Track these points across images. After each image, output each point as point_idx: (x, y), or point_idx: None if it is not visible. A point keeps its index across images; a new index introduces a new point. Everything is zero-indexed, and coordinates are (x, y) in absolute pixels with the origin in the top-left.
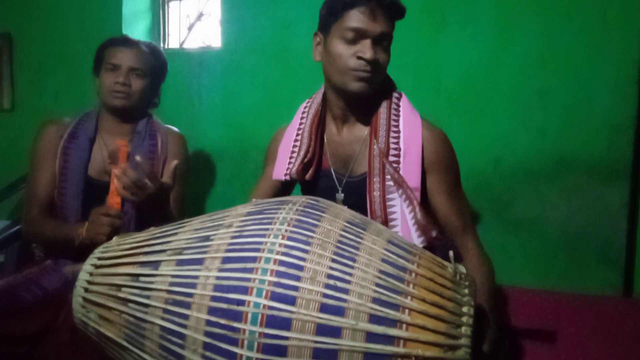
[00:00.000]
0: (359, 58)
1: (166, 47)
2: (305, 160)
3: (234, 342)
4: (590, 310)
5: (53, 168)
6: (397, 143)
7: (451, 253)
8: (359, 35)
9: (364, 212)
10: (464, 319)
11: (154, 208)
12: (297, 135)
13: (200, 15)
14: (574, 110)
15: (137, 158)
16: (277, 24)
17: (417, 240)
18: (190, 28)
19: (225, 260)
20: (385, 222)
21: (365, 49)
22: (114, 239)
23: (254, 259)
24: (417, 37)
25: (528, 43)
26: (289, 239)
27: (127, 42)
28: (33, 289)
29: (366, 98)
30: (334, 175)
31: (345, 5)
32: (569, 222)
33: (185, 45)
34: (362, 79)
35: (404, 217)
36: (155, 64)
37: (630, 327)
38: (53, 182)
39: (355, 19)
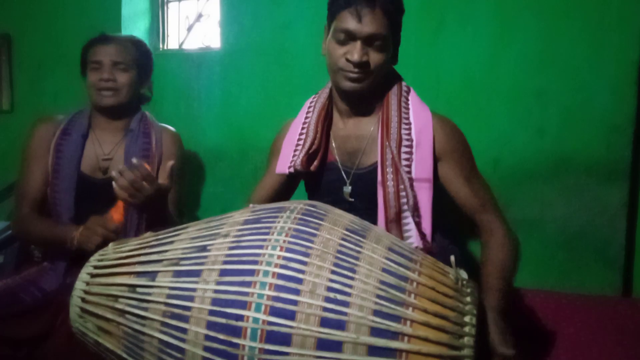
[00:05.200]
0: (347, 60)
1: (165, 47)
2: (311, 151)
3: (233, 357)
4: (590, 310)
5: (45, 165)
6: (409, 135)
7: (452, 258)
8: (348, 36)
9: (372, 203)
10: (467, 328)
11: (152, 210)
12: (303, 128)
13: (200, 16)
14: (573, 111)
15: (134, 160)
16: (276, 24)
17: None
18: (189, 29)
19: (223, 272)
20: (399, 213)
21: (354, 50)
22: (110, 245)
23: (252, 272)
24: (416, 38)
25: (527, 43)
26: (287, 250)
27: (106, 39)
28: (32, 290)
29: (373, 92)
30: (341, 168)
31: (339, 6)
32: (568, 222)
33: (184, 46)
34: (351, 80)
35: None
36: (138, 56)
37: (630, 327)
38: (45, 180)
39: (345, 20)
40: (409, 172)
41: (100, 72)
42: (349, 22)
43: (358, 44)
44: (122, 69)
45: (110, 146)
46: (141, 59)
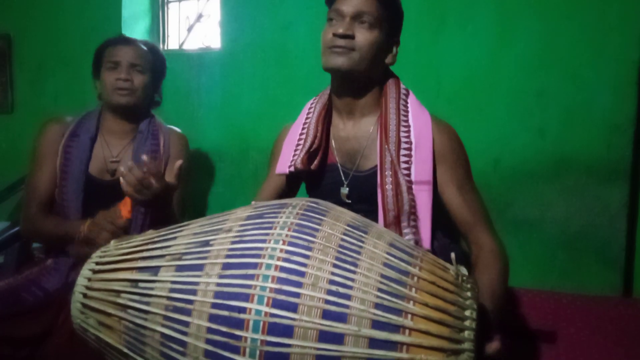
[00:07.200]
0: (334, 35)
1: (166, 48)
2: (311, 150)
3: (235, 350)
4: (590, 310)
5: (54, 166)
6: (408, 137)
7: (453, 255)
8: (338, 16)
9: (372, 206)
10: (467, 322)
11: (158, 208)
12: (303, 129)
13: (200, 16)
14: (573, 111)
15: (144, 157)
16: (277, 24)
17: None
18: (189, 29)
19: (226, 266)
20: (398, 216)
21: (339, 25)
22: (112, 242)
23: (254, 265)
24: (417, 38)
25: (527, 43)
26: (290, 244)
27: (125, 40)
28: (33, 289)
29: (365, 85)
30: (340, 170)
31: None
32: (568, 223)
33: (184, 47)
34: (337, 53)
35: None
36: (154, 61)
37: (630, 327)
38: (53, 180)
39: (336, 2)
40: (408, 175)
41: (117, 72)
42: (338, 1)
43: (346, 19)
44: (138, 71)
45: (118, 148)
46: (156, 63)
